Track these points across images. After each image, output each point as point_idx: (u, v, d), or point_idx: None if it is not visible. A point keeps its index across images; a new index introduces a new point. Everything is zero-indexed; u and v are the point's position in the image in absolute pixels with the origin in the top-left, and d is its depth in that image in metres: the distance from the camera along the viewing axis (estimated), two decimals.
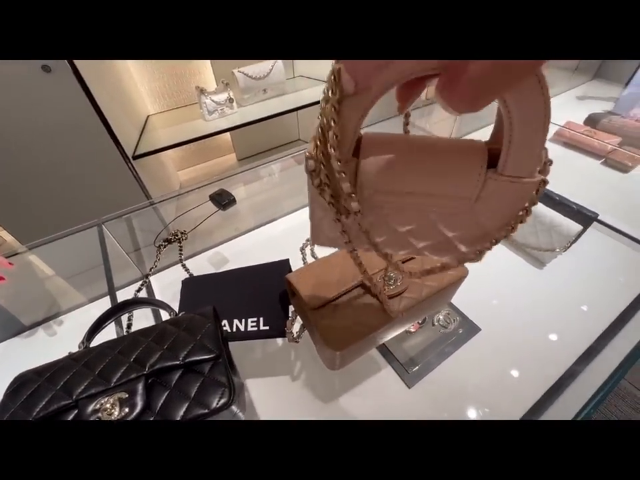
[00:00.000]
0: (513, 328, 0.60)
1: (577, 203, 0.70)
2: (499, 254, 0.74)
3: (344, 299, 0.43)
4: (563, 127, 1.17)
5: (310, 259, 0.70)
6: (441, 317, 0.60)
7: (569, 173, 1.01)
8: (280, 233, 0.83)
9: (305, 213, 0.82)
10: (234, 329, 0.49)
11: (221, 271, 0.64)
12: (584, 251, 0.72)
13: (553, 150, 1.13)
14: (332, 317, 0.41)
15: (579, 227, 0.65)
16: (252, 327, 0.48)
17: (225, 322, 0.49)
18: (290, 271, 0.54)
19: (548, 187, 0.19)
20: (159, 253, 0.67)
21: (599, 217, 0.68)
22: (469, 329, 0.59)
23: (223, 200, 0.64)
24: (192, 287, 0.58)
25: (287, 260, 0.58)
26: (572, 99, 1.53)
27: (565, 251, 0.67)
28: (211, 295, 0.54)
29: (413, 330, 0.59)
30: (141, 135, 1.65)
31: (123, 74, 1.67)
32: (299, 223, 0.86)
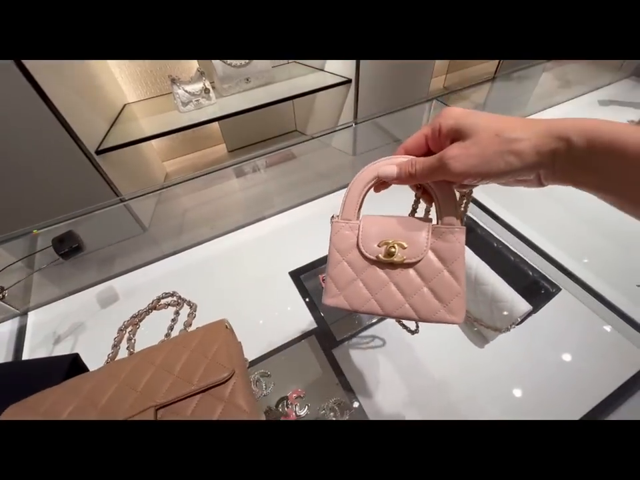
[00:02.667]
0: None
1: (539, 270, 0.55)
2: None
3: None
4: None
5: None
6: (329, 411, 0.49)
7: (559, 208, 0.83)
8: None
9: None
10: None
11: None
12: (541, 325, 0.57)
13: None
14: None
15: (528, 308, 0.50)
16: None
17: None
18: (70, 372, 0.39)
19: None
20: None
21: (562, 289, 0.53)
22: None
23: (63, 247, 0.53)
24: None
25: (72, 358, 0.41)
26: (594, 102, 1.28)
27: (507, 332, 0.53)
28: None
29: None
30: (111, 127, 1.57)
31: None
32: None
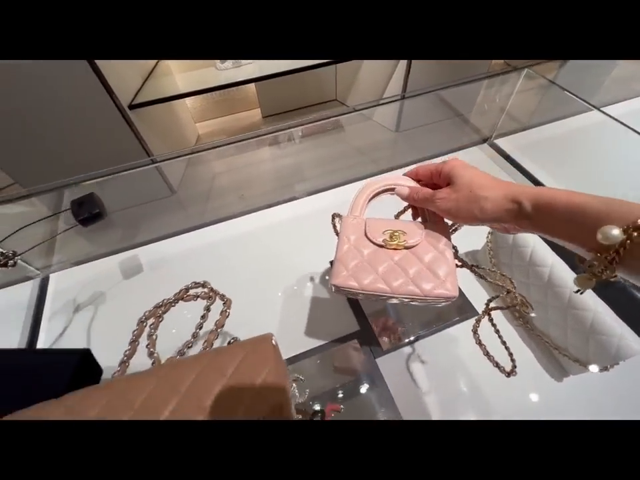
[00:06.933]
0: None
1: None
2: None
3: None
4: None
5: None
6: None
7: None
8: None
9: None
10: None
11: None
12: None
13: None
14: None
15: None
16: None
17: None
18: (79, 369, 0.34)
19: None
20: None
21: None
22: None
23: (82, 212, 0.45)
24: None
25: (82, 354, 0.37)
26: None
27: (604, 371, 0.42)
28: None
29: None
30: (145, 81, 1.49)
31: None
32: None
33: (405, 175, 0.39)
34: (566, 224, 0.24)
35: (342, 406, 0.45)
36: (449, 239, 0.35)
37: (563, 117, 0.93)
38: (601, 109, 0.79)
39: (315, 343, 0.52)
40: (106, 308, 0.57)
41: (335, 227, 0.43)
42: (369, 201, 0.38)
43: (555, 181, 0.77)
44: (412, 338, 0.52)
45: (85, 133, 1.28)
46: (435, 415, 0.45)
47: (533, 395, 0.47)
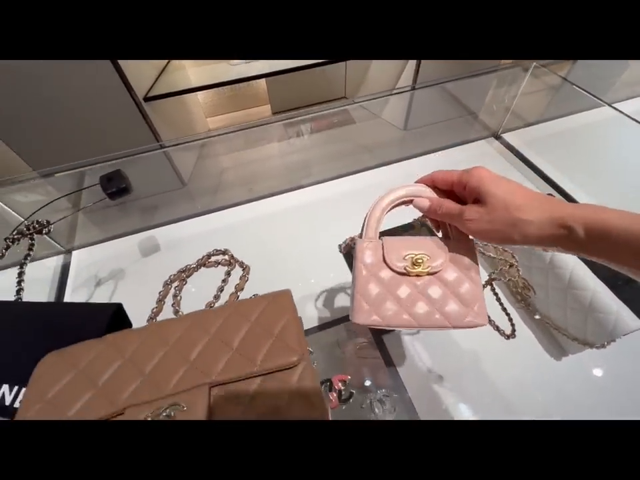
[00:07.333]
0: None
1: None
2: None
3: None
4: None
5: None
6: (376, 403, 0.44)
7: None
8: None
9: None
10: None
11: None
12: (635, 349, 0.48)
13: None
14: None
15: (638, 326, 0.41)
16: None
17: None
18: (112, 322, 0.36)
19: None
20: (4, 252, 0.44)
21: None
22: None
23: (111, 187, 0.49)
24: None
25: (116, 307, 0.39)
26: None
27: (602, 348, 0.44)
28: (8, 336, 0.36)
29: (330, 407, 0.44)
30: (160, 74, 1.52)
31: None
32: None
33: (418, 181, 0.34)
34: (626, 250, 0.22)
35: (349, 376, 0.47)
36: (475, 258, 0.32)
37: (571, 112, 0.94)
38: (613, 105, 0.80)
39: (323, 320, 0.54)
40: (126, 283, 0.60)
41: (349, 250, 0.39)
42: (382, 217, 0.34)
43: (563, 175, 0.78)
44: None
45: (102, 123, 1.32)
46: (436, 387, 0.47)
47: (533, 373, 0.49)
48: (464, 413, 0.46)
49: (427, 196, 0.33)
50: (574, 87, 0.83)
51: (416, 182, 0.34)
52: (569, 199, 0.72)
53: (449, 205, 0.31)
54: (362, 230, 0.34)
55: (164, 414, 0.23)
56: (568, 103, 0.96)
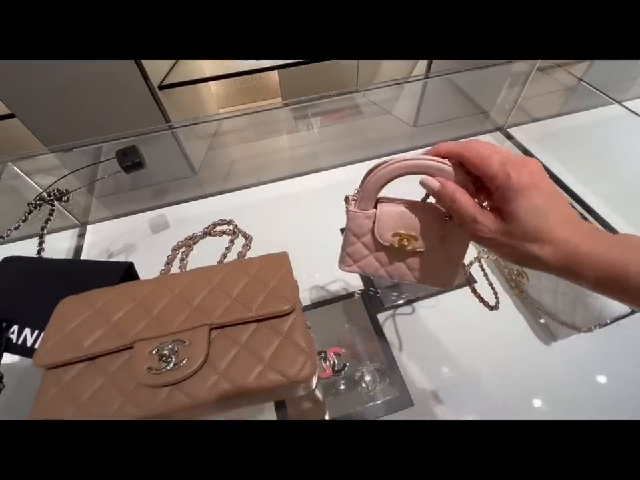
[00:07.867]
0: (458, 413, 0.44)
1: None
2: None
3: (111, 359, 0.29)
4: None
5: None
6: (368, 375, 0.46)
7: None
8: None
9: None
10: (20, 340, 0.37)
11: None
12: (634, 334, 0.49)
13: None
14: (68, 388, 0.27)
15: (622, 310, 0.42)
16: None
17: (14, 328, 0.37)
18: (124, 278, 0.40)
19: None
20: (27, 216, 0.47)
21: None
22: (397, 400, 0.44)
23: (126, 160, 0.52)
24: (13, 268, 0.43)
25: (129, 264, 0.43)
26: None
27: (588, 332, 0.45)
28: (31, 286, 0.40)
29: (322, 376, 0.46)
30: (175, 64, 1.56)
31: None
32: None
33: (441, 153, 0.28)
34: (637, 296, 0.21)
35: (343, 350, 0.50)
36: (467, 244, 0.31)
37: (580, 109, 0.94)
38: (622, 103, 0.80)
39: (323, 297, 0.56)
40: (137, 256, 0.63)
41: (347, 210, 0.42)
42: (382, 188, 0.31)
43: (569, 171, 0.78)
44: (412, 297, 0.56)
45: (118, 109, 1.36)
46: (427, 366, 0.49)
47: (524, 357, 0.50)
48: (451, 389, 0.47)
49: (443, 180, 0.27)
50: (582, 83, 0.83)
51: (438, 150, 0.28)
52: (573, 195, 0.72)
53: (464, 202, 0.26)
54: (358, 196, 0.32)
55: (169, 346, 0.26)
56: (576, 100, 0.96)
